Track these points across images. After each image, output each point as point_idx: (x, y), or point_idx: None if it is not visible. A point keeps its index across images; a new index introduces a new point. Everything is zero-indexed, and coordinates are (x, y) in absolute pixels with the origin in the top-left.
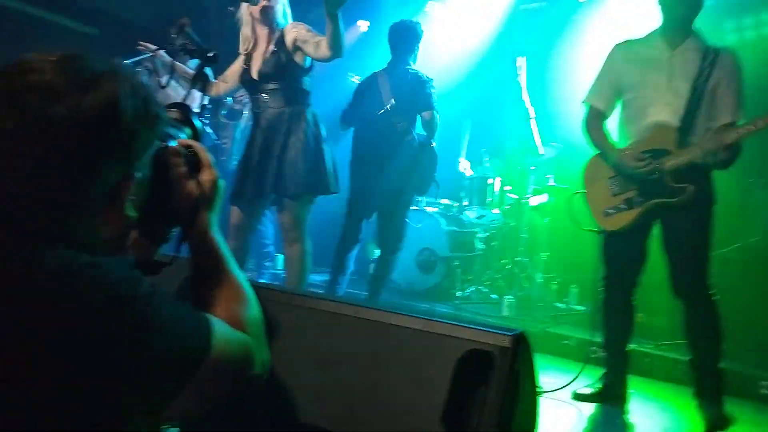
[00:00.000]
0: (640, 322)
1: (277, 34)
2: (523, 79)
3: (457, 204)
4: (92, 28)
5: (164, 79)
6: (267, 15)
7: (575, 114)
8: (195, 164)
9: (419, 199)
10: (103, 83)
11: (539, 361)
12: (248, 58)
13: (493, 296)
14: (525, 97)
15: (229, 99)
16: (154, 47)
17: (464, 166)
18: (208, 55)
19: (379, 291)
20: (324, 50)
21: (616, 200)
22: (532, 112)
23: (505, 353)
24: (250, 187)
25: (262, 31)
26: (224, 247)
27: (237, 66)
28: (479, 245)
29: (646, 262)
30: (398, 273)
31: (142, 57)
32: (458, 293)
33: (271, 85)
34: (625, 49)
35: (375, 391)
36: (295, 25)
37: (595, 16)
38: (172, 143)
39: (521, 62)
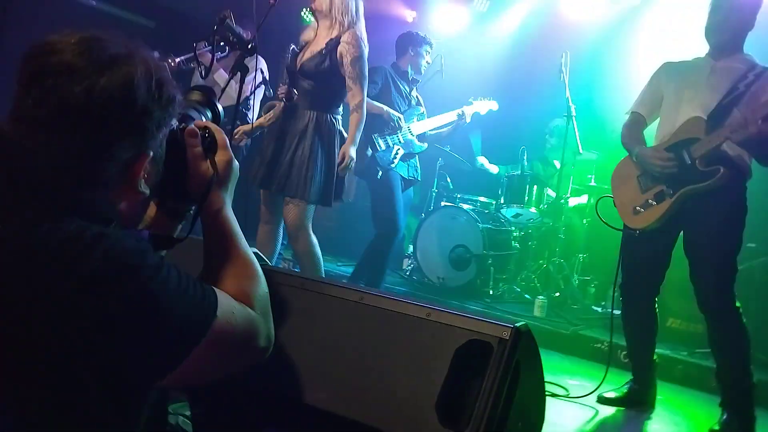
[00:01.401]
0: (675, 328)
1: (334, 35)
2: (566, 76)
3: (494, 202)
4: (149, 20)
5: (202, 71)
6: (325, 9)
7: (617, 121)
8: (211, 145)
9: (456, 195)
10: (120, 65)
11: (569, 364)
12: (303, 47)
13: (527, 296)
14: (567, 94)
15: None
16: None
17: (482, 162)
18: (248, 46)
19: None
20: (350, 102)
21: (646, 196)
22: (573, 111)
23: (503, 344)
24: (261, 176)
25: (323, 25)
26: (235, 226)
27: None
28: (515, 244)
29: (668, 267)
30: (431, 268)
31: (195, 53)
32: (491, 291)
33: (306, 83)
34: (672, 66)
35: (376, 375)
36: (353, 39)
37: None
38: (190, 124)
39: (566, 58)
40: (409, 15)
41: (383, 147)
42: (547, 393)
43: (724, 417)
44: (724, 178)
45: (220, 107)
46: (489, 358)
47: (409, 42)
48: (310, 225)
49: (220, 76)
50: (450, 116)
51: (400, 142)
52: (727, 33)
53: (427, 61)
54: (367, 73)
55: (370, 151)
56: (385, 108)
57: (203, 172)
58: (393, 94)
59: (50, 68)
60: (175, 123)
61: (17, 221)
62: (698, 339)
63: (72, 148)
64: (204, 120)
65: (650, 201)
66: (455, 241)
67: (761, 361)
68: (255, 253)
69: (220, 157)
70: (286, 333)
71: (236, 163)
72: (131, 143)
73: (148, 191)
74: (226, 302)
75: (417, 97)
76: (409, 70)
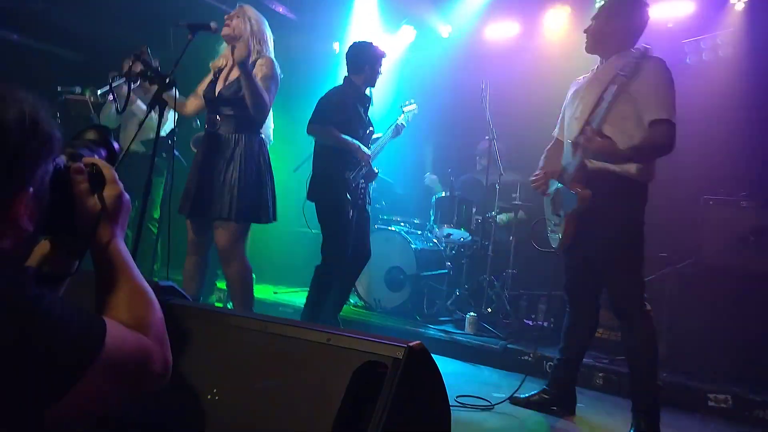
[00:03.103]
0: (598, 338)
1: (250, 61)
2: (486, 101)
3: (426, 222)
4: (77, 53)
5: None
6: (244, 36)
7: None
8: (98, 180)
9: (387, 217)
10: None
11: (497, 377)
12: (217, 74)
13: (460, 313)
14: (488, 118)
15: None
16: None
17: (431, 180)
18: (166, 81)
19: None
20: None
21: (555, 219)
22: (494, 134)
23: (397, 364)
24: (191, 203)
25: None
26: (127, 257)
27: (207, 81)
28: (447, 263)
29: (594, 273)
30: (367, 290)
31: (114, 84)
32: (425, 311)
33: (227, 110)
34: (574, 84)
35: (278, 402)
36: (266, 63)
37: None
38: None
39: (485, 84)
40: (335, 46)
41: (353, 185)
42: (466, 406)
43: (633, 419)
44: (585, 199)
45: (115, 144)
46: (383, 379)
47: (366, 57)
48: (244, 248)
49: (138, 107)
50: (393, 133)
51: (363, 175)
52: (603, 48)
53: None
54: (273, 94)
55: (339, 190)
56: (356, 144)
57: (91, 207)
58: (354, 122)
59: None
60: (62, 160)
61: None
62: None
63: None
64: (97, 157)
65: (555, 224)
66: (390, 263)
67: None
68: (171, 287)
69: (108, 192)
70: (187, 363)
71: (126, 196)
72: (7, 180)
73: (31, 227)
74: (116, 329)
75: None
76: (368, 90)
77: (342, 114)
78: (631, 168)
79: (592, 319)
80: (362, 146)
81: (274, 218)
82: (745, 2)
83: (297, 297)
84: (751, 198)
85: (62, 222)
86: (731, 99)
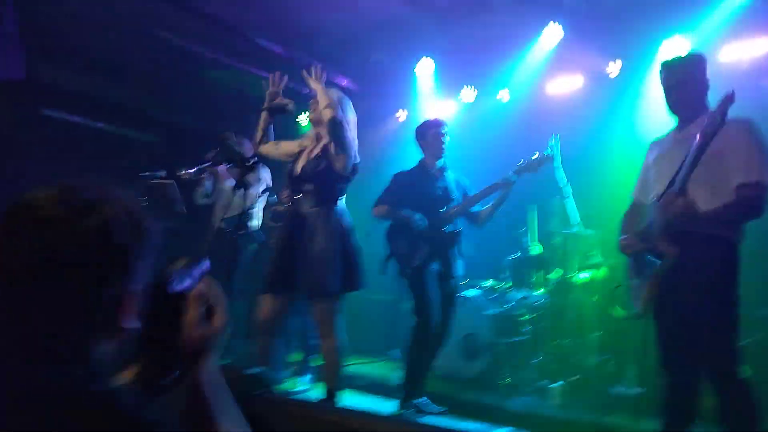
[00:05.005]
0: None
1: (325, 140)
2: (557, 157)
3: (500, 285)
4: (151, 135)
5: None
6: (324, 119)
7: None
8: (210, 308)
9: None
10: (95, 209)
11: None
12: (299, 153)
13: (542, 383)
14: (560, 174)
15: (274, 198)
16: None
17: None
18: (246, 164)
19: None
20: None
21: (636, 281)
22: (567, 191)
23: None
24: (278, 281)
25: (320, 132)
26: (222, 391)
27: (290, 149)
28: (526, 328)
29: (687, 339)
30: (441, 360)
31: (203, 166)
32: (507, 380)
33: (308, 186)
34: (654, 143)
35: None
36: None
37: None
38: (188, 283)
39: (555, 140)
40: (399, 113)
41: (406, 254)
42: None
43: None
44: (672, 256)
45: (204, 266)
46: None
47: (421, 136)
48: (339, 322)
49: (231, 184)
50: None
51: (429, 242)
52: (682, 108)
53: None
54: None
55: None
56: (408, 215)
57: (198, 335)
58: (415, 198)
59: (31, 222)
60: (173, 278)
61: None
62: None
63: (57, 295)
64: (206, 285)
65: (637, 287)
66: (464, 330)
67: None
68: (259, 378)
69: (216, 322)
70: None
71: (229, 325)
72: (115, 282)
73: (138, 325)
74: None
75: None
76: (438, 162)
77: (399, 193)
78: (718, 228)
79: (695, 388)
80: (414, 215)
81: (362, 286)
82: None
83: (367, 368)
84: None
85: (163, 340)
86: None
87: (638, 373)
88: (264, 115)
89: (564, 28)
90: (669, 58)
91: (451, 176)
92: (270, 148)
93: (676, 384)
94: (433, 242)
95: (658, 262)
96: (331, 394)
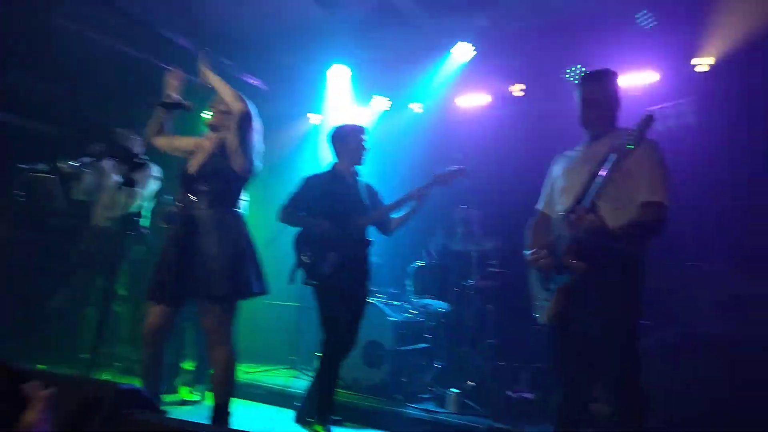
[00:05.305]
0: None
1: (225, 137)
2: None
3: (404, 293)
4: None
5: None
6: (222, 124)
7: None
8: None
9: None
10: None
11: None
12: (194, 152)
13: (441, 390)
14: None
15: (169, 197)
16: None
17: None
18: (134, 161)
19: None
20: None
21: (543, 292)
22: (469, 203)
23: None
24: (167, 287)
25: (217, 134)
26: None
27: (181, 144)
28: (426, 335)
29: (585, 351)
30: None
31: (86, 160)
32: (406, 388)
33: (203, 186)
34: (561, 157)
35: None
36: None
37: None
38: None
39: (462, 154)
40: (310, 117)
41: (313, 263)
42: None
43: None
44: (579, 270)
45: None
46: None
47: (338, 141)
48: (231, 332)
49: (117, 181)
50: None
51: (335, 250)
52: (595, 124)
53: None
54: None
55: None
56: (318, 222)
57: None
58: (326, 205)
59: None
60: None
61: None
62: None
63: None
64: None
65: (544, 298)
66: (366, 338)
67: None
68: (134, 392)
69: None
70: None
71: None
72: None
73: None
74: None
75: None
76: (353, 169)
77: (309, 199)
78: (624, 245)
79: (586, 396)
80: (324, 223)
81: (265, 290)
82: (708, 67)
83: (269, 377)
84: (729, 264)
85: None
86: (707, 164)
87: (531, 378)
88: (160, 109)
89: (475, 48)
90: (590, 72)
91: (363, 183)
92: (163, 142)
93: (569, 392)
94: (342, 252)
95: (566, 275)
96: (220, 409)
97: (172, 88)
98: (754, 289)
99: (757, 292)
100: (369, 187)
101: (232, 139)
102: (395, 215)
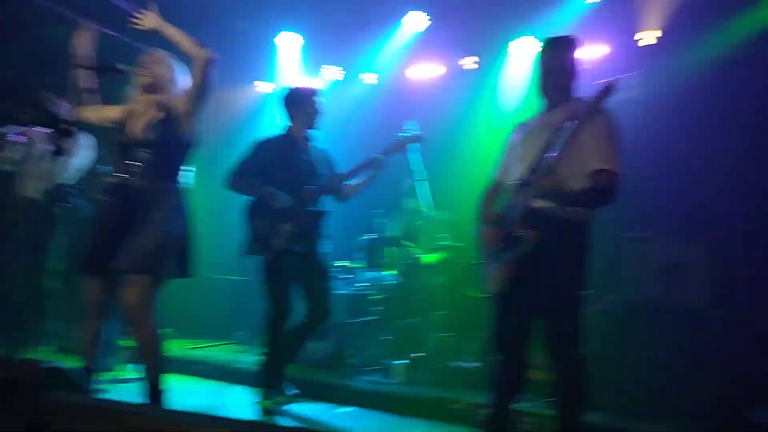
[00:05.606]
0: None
1: (167, 101)
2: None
3: (354, 266)
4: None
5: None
6: (159, 84)
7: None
8: None
9: None
10: None
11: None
12: (127, 117)
13: (387, 361)
14: (415, 158)
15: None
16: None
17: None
18: (63, 128)
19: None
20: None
21: (494, 261)
22: (420, 174)
23: None
24: (101, 259)
25: (154, 96)
26: None
27: (110, 114)
28: (374, 308)
29: (528, 320)
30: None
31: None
32: (353, 361)
33: (146, 155)
34: (520, 126)
35: None
36: (185, 94)
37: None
38: None
39: (411, 124)
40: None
41: (263, 232)
42: None
43: None
44: (532, 240)
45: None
46: None
47: (291, 103)
48: (154, 310)
49: (47, 150)
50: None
51: (289, 220)
52: (553, 92)
53: None
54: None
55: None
56: (269, 191)
57: None
58: (278, 170)
59: None
60: None
61: None
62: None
63: None
64: None
65: (495, 267)
66: None
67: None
68: (56, 371)
69: None
70: None
71: None
72: None
73: None
74: None
75: None
76: (307, 133)
77: (260, 165)
78: (575, 212)
79: (524, 368)
80: (278, 193)
81: (193, 272)
82: (656, 40)
83: (216, 352)
84: (664, 234)
85: None
86: (644, 137)
87: (477, 349)
88: (82, 73)
89: (429, 17)
90: (552, 39)
91: (318, 148)
92: (88, 113)
93: (507, 360)
94: (297, 222)
95: (516, 248)
96: (152, 388)
97: (84, 45)
98: (683, 256)
99: (690, 259)
100: (325, 153)
101: (189, 97)
102: (351, 182)
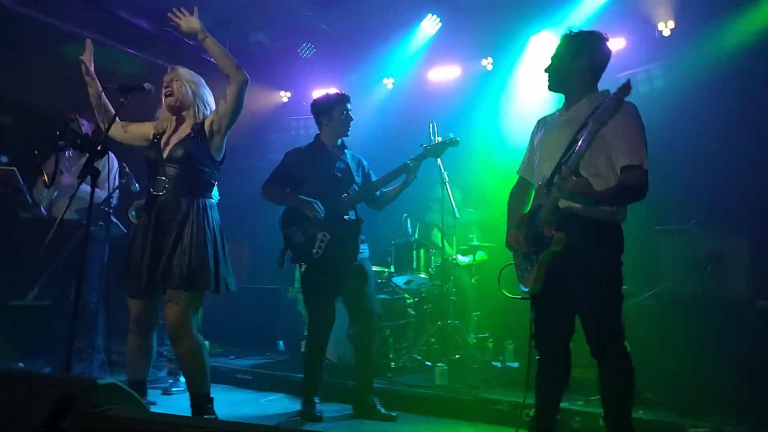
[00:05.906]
0: (573, 377)
1: (198, 120)
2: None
3: (386, 270)
4: (4, 115)
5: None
6: (186, 103)
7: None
8: None
9: None
10: None
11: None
12: (158, 137)
13: (428, 363)
14: (439, 162)
15: (136, 187)
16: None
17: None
18: (93, 149)
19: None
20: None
21: (525, 262)
22: (446, 176)
23: None
24: (139, 280)
25: (185, 114)
26: None
27: (144, 131)
28: (410, 311)
29: (567, 318)
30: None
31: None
32: (392, 364)
33: (174, 173)
34: (542, 121)
35: None
36: (216, 110)
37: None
38: None
39: (433, 128)
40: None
41: (302, 241)
42: None
43: None
44: (560, 241)
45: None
46: None
47: (321, 111)
48: (195, 324)
49: (65, 181)
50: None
51: (323, 229)
52: (571, 87)
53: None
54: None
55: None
56: (304, 200)
57: None
58: (310, 179)
59: None
60: None
61: None
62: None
63: None
64: None
65: (527, 267)
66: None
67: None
68: (113, 387)
69: None
70: None
71: None
72: None
73: None
74: None
75: None
76: (339, 141)
77: (294, 174)
78: (604, 210)
79: (567, 365)
80: (313, 202)
81: (232, 287)
82: (671, 30)
83: (252, 361)
84: (701, 225)
85: None
86: (671, 129)
87: (515, 348)
88: (109, 92)
89: (441, 20)
90: (571, 32)
91: (350, 156)
92: (117, 131)
93: (549, 359)
94: (333, 232)
95: (546, 248)
96: (198, 399)
97: (90, 61)
98: (724, 246)
99: (726, 249)
100: (358, 160)
101: (219, 114)
102: (385, 189)
